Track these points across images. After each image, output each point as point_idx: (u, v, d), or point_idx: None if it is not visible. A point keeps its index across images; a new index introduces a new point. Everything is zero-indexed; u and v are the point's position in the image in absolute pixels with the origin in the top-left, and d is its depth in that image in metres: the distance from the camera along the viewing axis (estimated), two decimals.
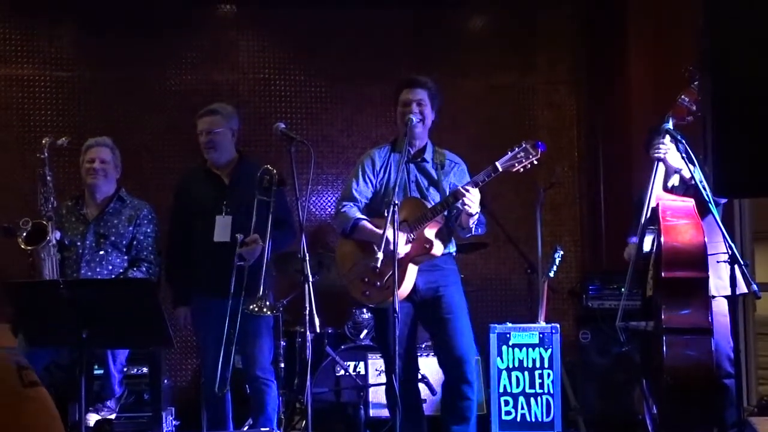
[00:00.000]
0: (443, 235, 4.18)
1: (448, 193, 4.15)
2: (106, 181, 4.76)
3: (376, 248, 3.91)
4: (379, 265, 3.84)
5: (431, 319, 4.21)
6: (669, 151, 4.12)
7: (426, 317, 4.23)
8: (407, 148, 4.15)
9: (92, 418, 4.63)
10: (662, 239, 3.88)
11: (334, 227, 4.42)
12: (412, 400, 4.25)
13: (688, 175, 4.04)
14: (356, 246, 4.22)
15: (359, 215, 4.22)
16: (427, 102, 4.23)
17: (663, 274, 3.84)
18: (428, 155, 4.29)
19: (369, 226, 4.16)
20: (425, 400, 4.79)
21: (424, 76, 4.33)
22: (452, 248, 4.30)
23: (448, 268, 4.27)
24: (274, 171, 4.25)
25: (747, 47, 1.98)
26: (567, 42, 6.94)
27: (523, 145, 4.04)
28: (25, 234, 4.52)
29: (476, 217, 4.03)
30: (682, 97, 4.04)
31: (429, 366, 5.11)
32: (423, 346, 5.24)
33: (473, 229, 4.09)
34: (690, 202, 4.01)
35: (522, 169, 4.06)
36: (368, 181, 4.28)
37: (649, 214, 4.10)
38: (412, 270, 4.07)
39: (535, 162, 4.05)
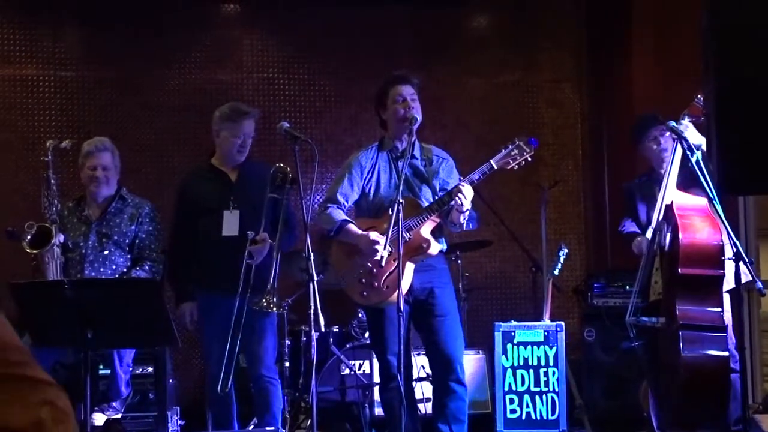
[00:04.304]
0: (435, 233, 4.14)
1: (438, 189, 4.14)
2: (108, 187, 4.77)
3: (376, 247, 3.89)
4: (383, 263, 3.83)
5: (424, 318, 4.18)
6: (688, 128, 4.08)
7: (419, 317, 4.19)
8: (407, 146, 4.07)
9: (98, 418, 4.64)
10: (680, 236, 3.87)
11: (320, 226, 4.37)
12: (409, 398, 4.20)
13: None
14: (352, 247, 4.18)
15: (344, 217, 4.18)
16: (417, 97, 4.19)
17: (680, 270, 3.84)
18: (417, 152, 4.23)
19: (354, 229, 4.12)
20: (430, 398, 4.78)
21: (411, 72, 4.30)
22: (443, 246, 4.26)
23: (441, 267, 4.24)
24: (288, 169, 4.23)
25: (750, 48, 1.98)
26: (570, 39, 6.93)
27: (516, 142, 4.00)
28: (29, 237, 4.53)
29: (467, 213, 3.99)
30: (699, 96, 4.03)
31: None
32: None
33: (464, 225, 4.06)
34: (703, 200, 4.00)
35: (516, 167, 4.01)
36: (354, 184, 4.22)
37: (664, 209, 4.12)
38: (410, 269, 4.04)
39: (529, 159, 4.00)
